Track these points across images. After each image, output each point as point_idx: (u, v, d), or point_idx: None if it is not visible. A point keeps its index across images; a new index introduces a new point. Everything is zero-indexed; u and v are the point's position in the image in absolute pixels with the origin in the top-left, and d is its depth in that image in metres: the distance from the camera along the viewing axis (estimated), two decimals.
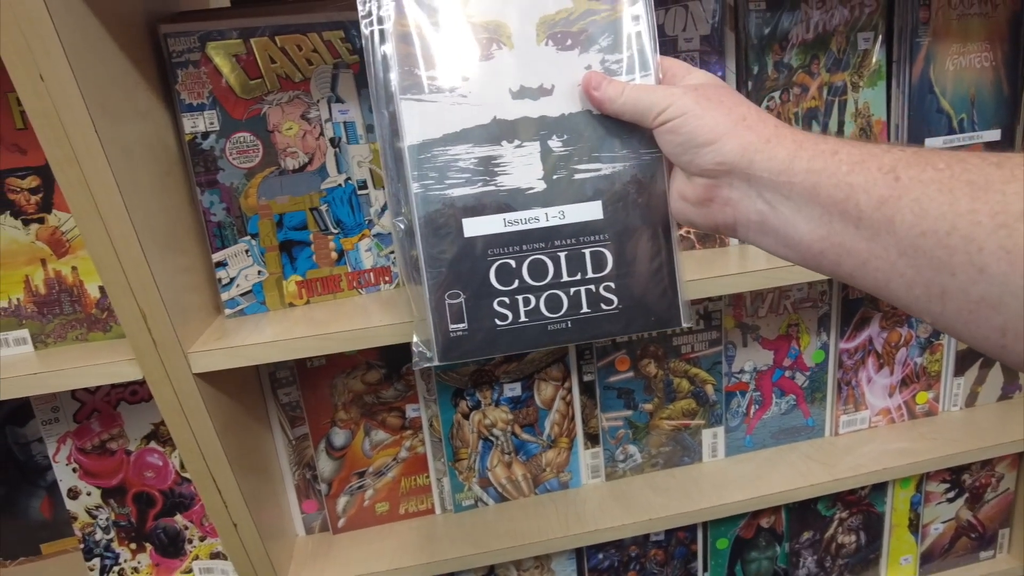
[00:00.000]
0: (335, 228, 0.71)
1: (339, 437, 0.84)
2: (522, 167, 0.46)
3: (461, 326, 0.47)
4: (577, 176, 0.47)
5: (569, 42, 0.46)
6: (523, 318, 0.47)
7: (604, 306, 0.48)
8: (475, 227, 0.46)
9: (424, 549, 0.83)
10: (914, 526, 1.05)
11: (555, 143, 0.46)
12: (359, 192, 0.71)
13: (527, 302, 0.47)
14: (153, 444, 0.78)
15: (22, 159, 0.64)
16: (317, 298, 0.73)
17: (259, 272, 0.70)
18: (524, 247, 0.47)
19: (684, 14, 0.71)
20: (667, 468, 0.94)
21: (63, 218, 0.65)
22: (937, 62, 0.79)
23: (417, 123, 0.45)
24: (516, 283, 0.47)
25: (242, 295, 0.70)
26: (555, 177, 0.46)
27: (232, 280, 0.70)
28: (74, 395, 0.75)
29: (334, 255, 0.72)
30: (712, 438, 0.94)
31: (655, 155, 0.47)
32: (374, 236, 0.73)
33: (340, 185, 0.71)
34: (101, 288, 0.67)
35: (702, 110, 0.41)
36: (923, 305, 0.33)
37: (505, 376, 0.86)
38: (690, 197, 0.45)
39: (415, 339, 0.49)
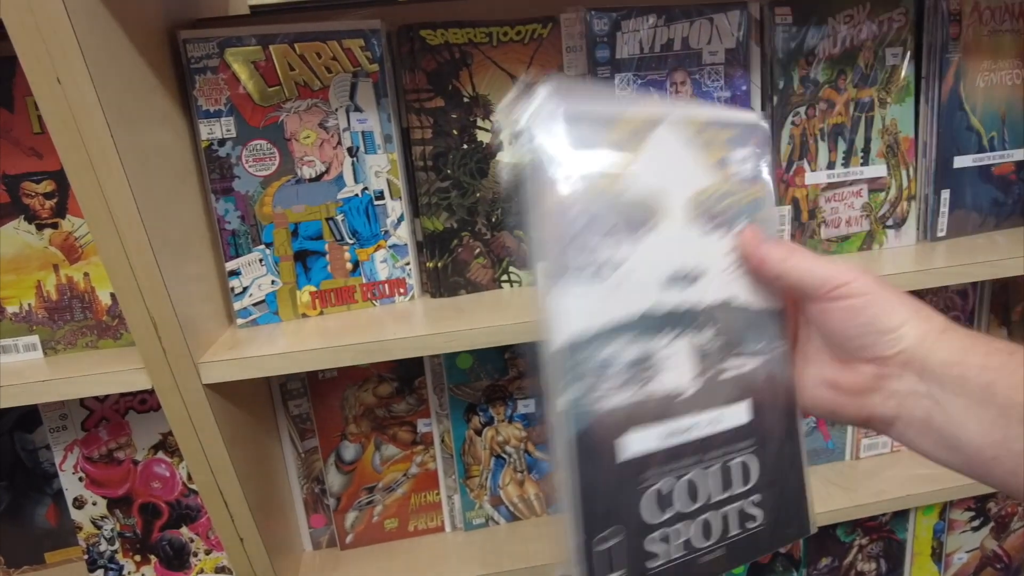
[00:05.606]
0: (351, 238, 0.70)
1: (349, 451, 0.83)
2: (673, 367, 0.39)
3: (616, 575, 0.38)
4: (724, 375, 0.41)
5: (714, 223, 0.41)
6: (675, 554, 0.39)
7: (749, 525, 0.41)
8: (631, 447, 0.38)
9: (433, 567, 0.82)
10: (937, 555, 1.02)
11: (705, 337, 0.40)
12: (376, 202, 0.70)
13: (678, 534, 0.39)
14: (161, 454, 0.77)
15: (38, 163, 0.63)
16: (331, 309, 0.71)
17: (273, 282, 0.69)
18: (676, 465, 0.39)
19: (709, 27, 0.70)
20: None
21: (77, 223, 0.65)
22: (967, 79, 0.77)
23: (569, 317, 0.37)
24: (669, 513, 0.39)
25: (255, 305, 0.69)
26: (706, 377, 0.40)
27: (245, 289, 0.69)
28: (83, 403, 0.74)
29: (349, 266, 0.71)
30: None
31: (784, 345, 0.43)
32: (390, 247, 0.72)
33: (357, 195, 0.70)
34: (112, 295, 0.66)
35: (887, 293, 0.38)
36: None
37: (519, 392, 0.84)
38: (845, 386, 0.40)
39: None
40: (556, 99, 0.36)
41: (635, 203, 0.39)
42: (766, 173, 0.43)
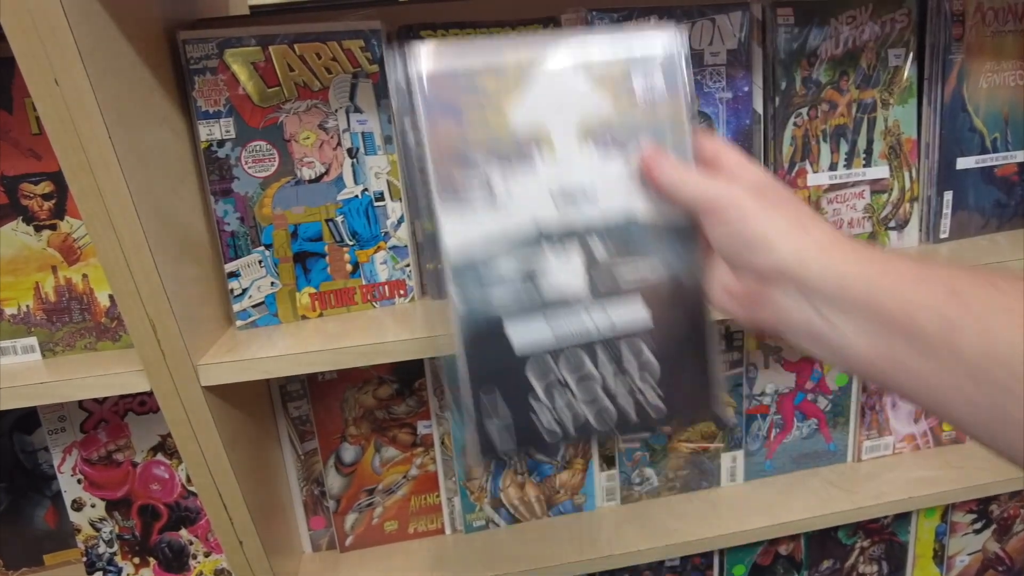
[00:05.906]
0: (351, 240, 0.70)
1: (349, 453, 0.82)
2: (565, 272, 0.45)
3: (500, 424, 0.46)
4: (620, 279, 0.45)
5: (610, 144, 0.45)
6: (570, 427, 0.46)
7: (647, 407, 0.47)
8: (522, 338, 0.44)
9: (433, 570, 0.81)
10: (939, 557, 1.01)
11: (597, 246, 0.45)
12: (376, 204, 0.70)
13: (570, 405, 0.46)
14: (160, 456, 0.77)
15: (37, 164, 0.63)
16: (331, 311, 0.71)
17: (272, 283, 0.69)
18: (569, 351, 0.45)
19: (711, 28, 0.70)
20: (684, 492, 0.92)
21: (75, 225, 0.64)
22: (970, 80, 0.77)
23: (457, 229, 0.43)
24: (560, 386, 0.46)
25: (254, 307, 0.69)
26: (598, 281, 0.45)
27: (244, 291, 0.68)
28: (81, 404, 0.74)
29: (349, 267, 0.71)
30: (731, 462, 0.92)
31: (692, 251, 0.46)
32: (390, 248, 0.71)
33: (357, 196, 0.69)
34: (111, 297, 0.66)
35: (763, 212, 0.40)
36: (983, 429, 0.32)
37: None
38: (736, 292, 0.43)
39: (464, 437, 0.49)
40: (425, 60, 0.42)
41: (521, 134, 0.44)
42: (682, 89, 0.45)
